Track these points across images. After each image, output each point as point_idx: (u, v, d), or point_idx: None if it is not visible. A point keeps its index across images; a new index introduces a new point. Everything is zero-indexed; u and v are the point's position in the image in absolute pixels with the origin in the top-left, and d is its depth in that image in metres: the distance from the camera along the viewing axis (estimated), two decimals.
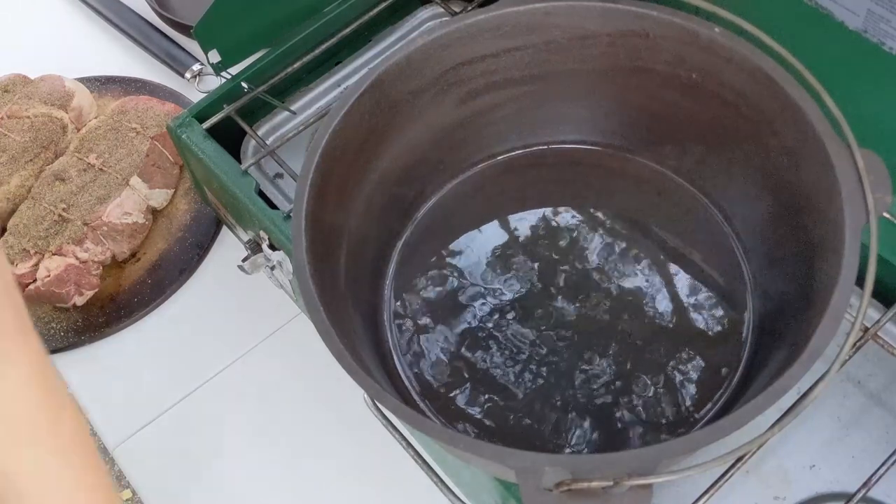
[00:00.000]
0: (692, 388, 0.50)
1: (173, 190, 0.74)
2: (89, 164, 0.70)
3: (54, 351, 0.67)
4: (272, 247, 0.59)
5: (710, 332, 0.52)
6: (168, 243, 0.72)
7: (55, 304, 0.68)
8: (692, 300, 0.53)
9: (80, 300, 0.67)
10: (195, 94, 0.77)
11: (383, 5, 0.69)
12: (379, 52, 0.72)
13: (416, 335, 0.53)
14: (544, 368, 0.51)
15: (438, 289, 0.55)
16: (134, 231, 0.70)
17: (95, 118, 0.76)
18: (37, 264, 0.66)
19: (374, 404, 0.50)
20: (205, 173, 0.63)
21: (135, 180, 0.70)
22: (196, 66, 0.78)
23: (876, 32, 0.49)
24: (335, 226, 0.49)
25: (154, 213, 0.73)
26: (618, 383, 0.50)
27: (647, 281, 0.54)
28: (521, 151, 0.59)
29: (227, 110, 0.63)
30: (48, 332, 0.68)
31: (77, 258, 0.67)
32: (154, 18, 0.83)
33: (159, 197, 0.72)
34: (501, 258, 0.56)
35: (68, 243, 0.66)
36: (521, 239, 0.57)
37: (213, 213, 0.72)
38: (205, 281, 0.70)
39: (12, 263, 0.66)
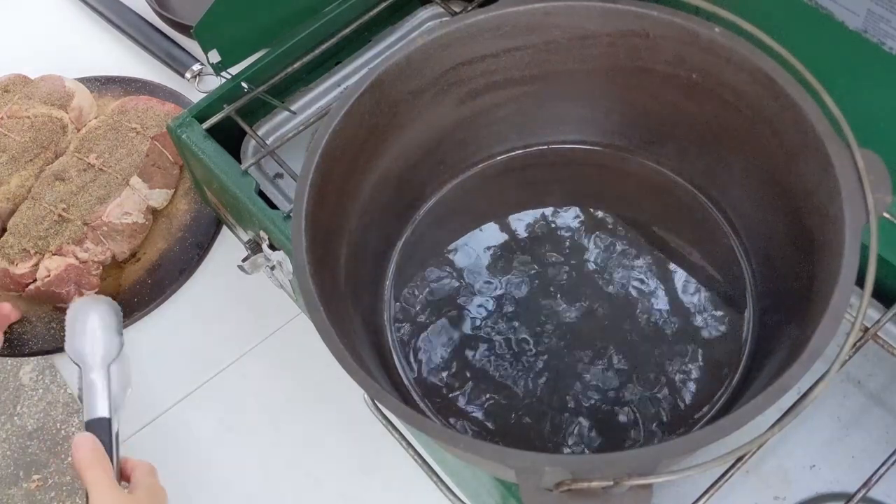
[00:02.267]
0: (692, 388, 0.50)
1: (173, 190, 0.73)
2: (89, 164, 0.70)
3: (54, 351, 0.67)
4: (272, 247, 0.59)
5: (710, 332, 0.52)
6: (168, 243, 0.72)
7: (55, 304, 0.68)
8: (692, 300, 0.53)
9: None
10: (195, 94, 0.77)
11: (383, 5, 0.69)
12: (379, 52, 0.72)
13: (416, 335, 0.53)
14: (544, 368, 0.51)
15: (438, 289, 0.55)
16: (134, 231, 0.70)
17: (95, 118, 0.76)
18: (37, 264, 0.66)
19: (374, 404, 0.50)
20: (205, 173, 0.63)
21: (135, 180, 0.70)
22: (196, 66, 0.78)
23: (876, 32, 0.49)
24: (335, 226, 0.49)
25: (154, 213, 0.73)
26: (618, 383, 0.50)
27: (647, 281, 0.54)
28: (521, 151, 0.59)
29: (227, 110, 0.63)
30: (48, 332, 0.68)
31: (77, 258, 0.67)
32: (154, 18, 0.83)
33: (159, 197, 0.72)
34: (501, 258, 0.56)
35: (68, 243, 0.66)
36: (520, 239, 0.57)
37: (213, 213, 0.72)
38: (205, 281, 0.70)
39: (12, 263, 0.66)
